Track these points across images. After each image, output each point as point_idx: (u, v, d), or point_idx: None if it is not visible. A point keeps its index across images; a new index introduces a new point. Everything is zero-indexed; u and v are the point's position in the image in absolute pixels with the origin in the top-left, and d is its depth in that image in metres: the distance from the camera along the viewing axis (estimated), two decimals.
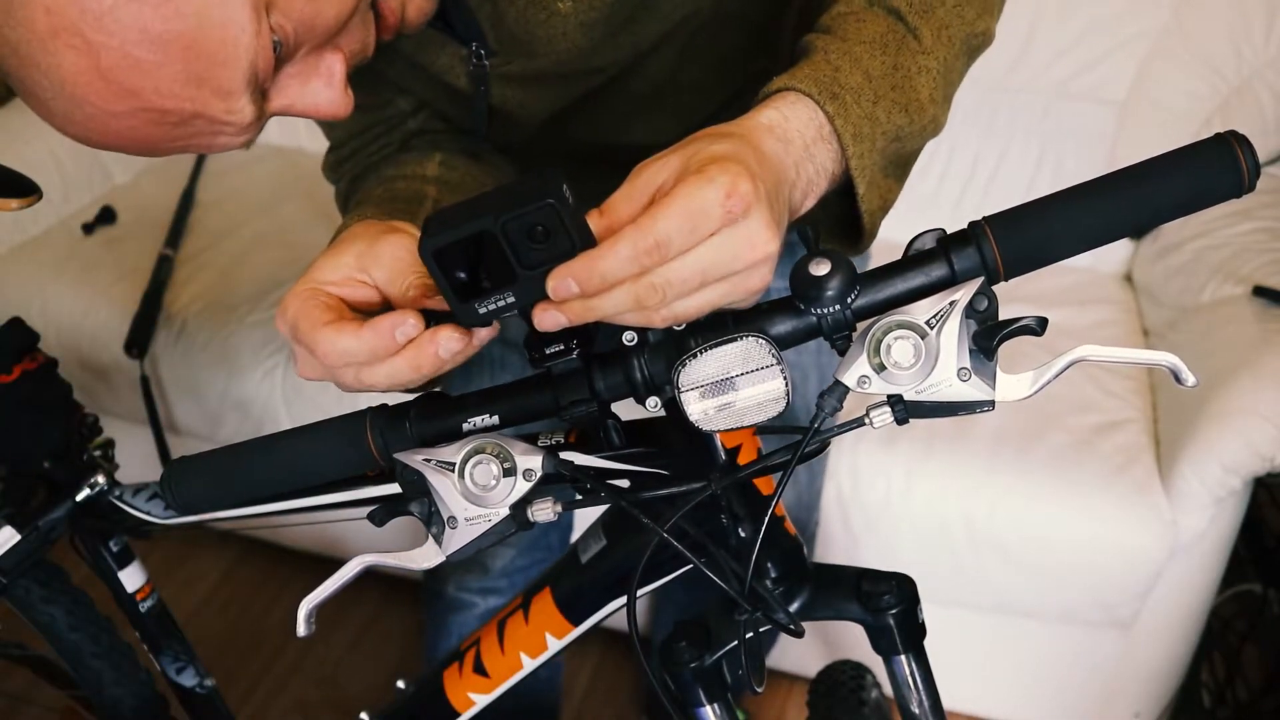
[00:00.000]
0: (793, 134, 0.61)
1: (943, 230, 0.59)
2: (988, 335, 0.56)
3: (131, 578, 1.06)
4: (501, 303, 0.56)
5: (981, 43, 0.72)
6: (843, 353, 0.58)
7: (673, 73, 0.88)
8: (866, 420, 0.58)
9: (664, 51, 0.85)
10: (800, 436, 0.61)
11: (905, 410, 0.57)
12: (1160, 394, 1.59)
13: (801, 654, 1.67)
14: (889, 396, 0.57)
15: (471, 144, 0.92)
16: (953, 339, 0.55)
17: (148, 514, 0.96)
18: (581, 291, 0.54)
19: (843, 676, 0.93)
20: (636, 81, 0.87)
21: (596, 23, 0.76)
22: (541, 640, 0.82)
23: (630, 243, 0.53)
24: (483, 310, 0.57)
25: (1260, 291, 1.54)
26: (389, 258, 0.64)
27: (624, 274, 0.53)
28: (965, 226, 0.58)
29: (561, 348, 0.59)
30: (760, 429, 0.69)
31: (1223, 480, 1.36)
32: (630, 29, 0.79)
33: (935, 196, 1.93)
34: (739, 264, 0.54)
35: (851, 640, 1.62)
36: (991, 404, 0.56)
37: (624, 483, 0.71)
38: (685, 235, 0.53)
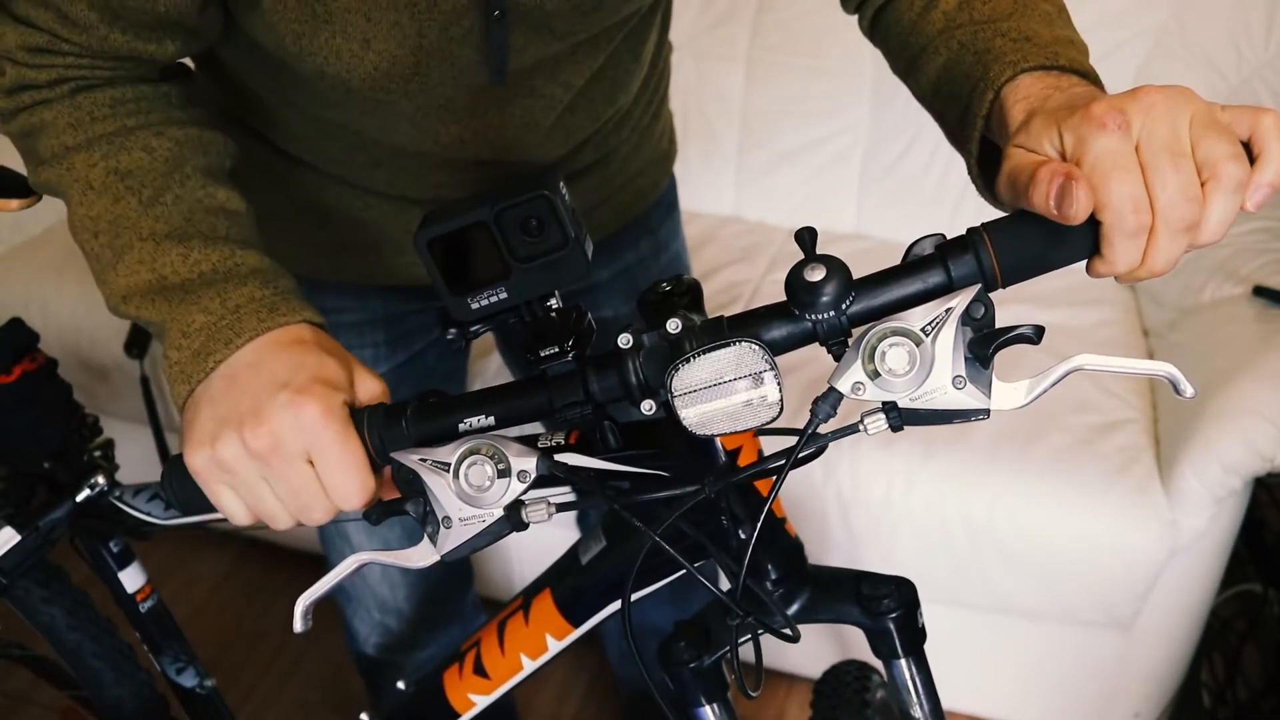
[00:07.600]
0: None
1: (942, 236, 0.59)
2: (983, 343, 0.55)
3: (131, 578, 1.06)
4: (494, 298, 0.56)
5: None
6: (838, 359, 0.58)
7: (588, 81, 0.84)
8: (861, 427, 0.58)
9: (600, 46, 0.80)
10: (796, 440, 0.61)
11: (900, 417, 0.57)
12: (1160, 394, 1.59)
13: (802, 654, 1.67)
14: (884, 403, 0.57)
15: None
16: (948, 346, 0.55)
17: (148, 514, 0.96)
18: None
19: (847, 677, 0.93)
20: (555, 87, 0.82)
21: None
22: (541, 641, 0.82)
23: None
24: (475, 305, 0.56)
25: (1260, 291, 1.54)
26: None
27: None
28: (964, 233, 0.58)
29: (556, 350, 0.59)
30: (760, 430, 0.69)
31: (1223, 480, 1.36)
32: None
33: (935, 197, 1.93)
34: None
35: (850, 640, 1.62)
36: (987, 412, 0.56)
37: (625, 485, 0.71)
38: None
